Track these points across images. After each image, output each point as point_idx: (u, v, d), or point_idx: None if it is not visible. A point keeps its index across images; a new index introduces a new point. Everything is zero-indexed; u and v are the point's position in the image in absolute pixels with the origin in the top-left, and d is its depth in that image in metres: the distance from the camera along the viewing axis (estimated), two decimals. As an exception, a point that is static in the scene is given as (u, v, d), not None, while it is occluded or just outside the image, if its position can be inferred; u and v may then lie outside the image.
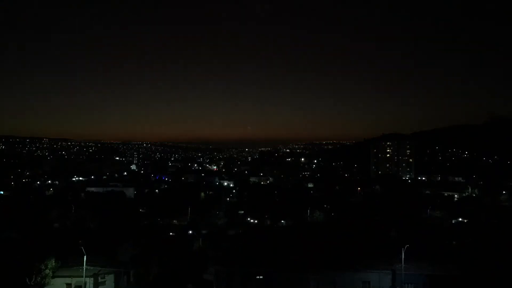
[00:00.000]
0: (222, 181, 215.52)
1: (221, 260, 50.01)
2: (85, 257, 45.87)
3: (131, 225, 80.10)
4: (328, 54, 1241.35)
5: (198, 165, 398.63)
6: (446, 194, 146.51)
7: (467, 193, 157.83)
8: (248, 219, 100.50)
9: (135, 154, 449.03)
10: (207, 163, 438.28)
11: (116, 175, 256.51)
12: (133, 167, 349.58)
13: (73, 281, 47.71)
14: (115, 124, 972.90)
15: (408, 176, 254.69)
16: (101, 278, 49.32)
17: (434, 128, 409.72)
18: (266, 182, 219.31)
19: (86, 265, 46.22)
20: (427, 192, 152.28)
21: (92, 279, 47.86)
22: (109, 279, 49.88)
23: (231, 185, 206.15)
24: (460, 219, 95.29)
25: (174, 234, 78.86)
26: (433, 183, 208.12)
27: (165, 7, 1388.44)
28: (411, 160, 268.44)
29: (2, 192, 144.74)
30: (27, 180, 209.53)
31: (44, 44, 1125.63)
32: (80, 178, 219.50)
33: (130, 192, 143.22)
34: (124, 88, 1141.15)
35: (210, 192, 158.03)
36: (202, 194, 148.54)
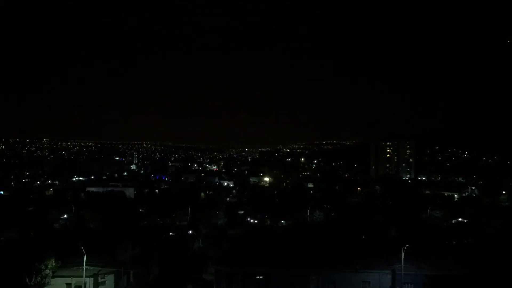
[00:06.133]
0: (222, 181, 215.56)
1: (221, 260, 50.02)
2: (85, 257, 45.88)
3: (131, 225, 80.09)
4: (327, 54, 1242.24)
5: (198, 165, 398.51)
6: (446, 194, 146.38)
7: (467, 193, 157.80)
8: (248, 219, 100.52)
9: (135, 154, 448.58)
10: (207, 163, 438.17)
11: (116, 175, 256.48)
12: (133, 167, 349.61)
13: (73, 281, 47.72)
14: (115, 124, 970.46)
15: (408, 176, 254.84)
16: (101, 278, 49.35)
17: (434, 128, 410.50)
18: (266, 182, 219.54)
19: (86, 265, 46.23)
20: (427, 192, 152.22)
21: (92, 279, 47.88)
22: (109, 279, 49.91)
23: (231, 185, 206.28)
24: (460, 219, 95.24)
25: (174, 234, 78.91)
26: (433, 183, 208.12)
27: (165, 6, 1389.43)
28: (411, 160, 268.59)
29: (2, 192, 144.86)
30: (27, 180, 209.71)
31: (44, 44, 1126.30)
32: (80, 178, 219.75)
33: (130, 192, 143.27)
34: (124, 88, 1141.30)
35: (210, 192, 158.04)
36: (202, 194, 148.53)
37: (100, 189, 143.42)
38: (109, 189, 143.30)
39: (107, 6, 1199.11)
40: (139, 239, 59.74)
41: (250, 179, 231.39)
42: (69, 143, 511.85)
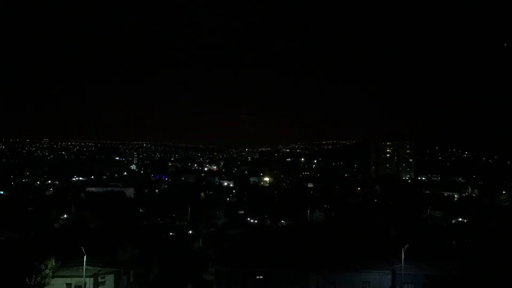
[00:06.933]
0: (222, 181, 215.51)
1: (221, 260, 50.04)
2: (85, 257, 45.90)
3: (131, 225, 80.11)
4: (327, 53, 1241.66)
5: (198, 165, 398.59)
6: (446, 194, 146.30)
7: (467, 193, 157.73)
8: (248, 219, 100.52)
9: (135, 154, 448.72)
10: (207, 163, 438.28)
11: (116, 175, 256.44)
12: (133, 167, 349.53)
13: (73, 281, 47.74)
14: (115, 124, 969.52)
15: (408, 176, 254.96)
16: (101, 278, 49.36)
17: (434, 128, 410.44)
18: (266, 182, 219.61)
19: (86, 265, 46.26)
20: (427, 192, 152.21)
21: (92, 279, 47.90)
22: (109, 279, 49.92)
23: (231, 185, 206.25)
24: (460, 219, 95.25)
25: (174, 234, 78.91)
26: (433, 183, 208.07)
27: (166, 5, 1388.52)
28: (411, 160, 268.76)
29: (2, 192, 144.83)
30: (27, 180, 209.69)
31: (44, 44, 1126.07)
32: (80, 178, 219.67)
33: (130, 192, 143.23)
34: (124, 88, 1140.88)
35: (210, 192, 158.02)
36: (202, 194, 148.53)
37: (100, 189, 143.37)
38: (109, 189, 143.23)
39: (107, 6, 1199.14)
40: (139, 239, 59.78)
41: (250, 179, 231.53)
42: (69, 143, 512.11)
